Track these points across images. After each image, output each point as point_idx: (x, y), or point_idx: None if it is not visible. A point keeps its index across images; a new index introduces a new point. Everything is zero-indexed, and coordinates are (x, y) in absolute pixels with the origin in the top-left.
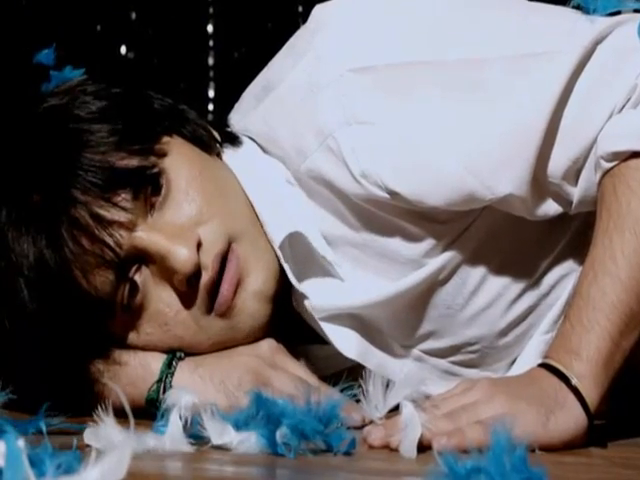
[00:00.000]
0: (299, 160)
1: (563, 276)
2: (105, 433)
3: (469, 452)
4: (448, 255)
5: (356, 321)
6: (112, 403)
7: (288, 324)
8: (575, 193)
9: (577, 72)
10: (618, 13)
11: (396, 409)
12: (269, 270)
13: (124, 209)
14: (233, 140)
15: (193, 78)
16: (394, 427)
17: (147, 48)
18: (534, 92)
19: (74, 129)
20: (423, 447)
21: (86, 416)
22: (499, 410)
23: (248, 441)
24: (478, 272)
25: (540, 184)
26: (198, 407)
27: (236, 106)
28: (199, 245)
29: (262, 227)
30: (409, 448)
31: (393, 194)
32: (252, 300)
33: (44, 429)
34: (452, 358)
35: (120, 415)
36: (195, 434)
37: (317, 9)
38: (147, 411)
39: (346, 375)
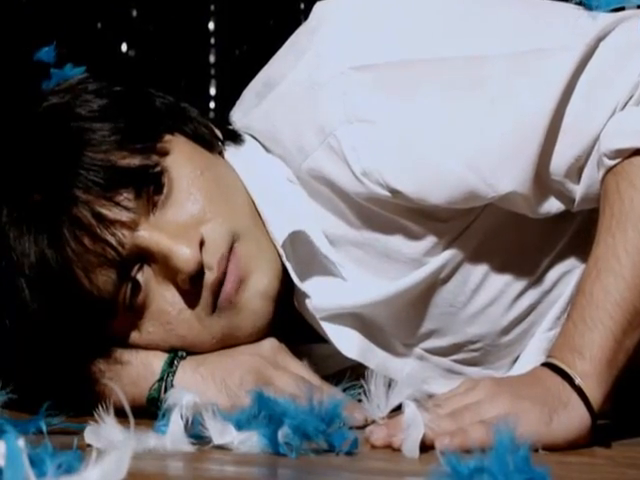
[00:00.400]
0: (300, 158)
1: (565, 273)
2: (106, 433)
3: (472, 452)
4: (449, 253)
5: (358, 320)
6: (113, 402)
7: (290, 323)
8: (578, 191)
9: (580, 69)
10: (621, 9)
11: (398, 409)
12: (272, 269)
13: (126, 208)
14: (235, 138)
15: (194, 76)
16: (396, 427)
17: (148, 46)
18: (536, 89)
19: (75, 128)
20: (426, 447)
21: (87, 416)
22: (502, 410)
23: (250, 441)
24: (480, 270)
25: (542, 182)
26: (199, 407)
27: (237, 103)
28: (202, 244)
29: (264, 226)
30: (412, 448)
31: (394, 192)
32: (255, 299)
33: (44, 429)
34: (454, 356)
35: (121, 415)
36: (196, 434)
37: (318, 6)
38: (148, 410)
39: (349, 374)
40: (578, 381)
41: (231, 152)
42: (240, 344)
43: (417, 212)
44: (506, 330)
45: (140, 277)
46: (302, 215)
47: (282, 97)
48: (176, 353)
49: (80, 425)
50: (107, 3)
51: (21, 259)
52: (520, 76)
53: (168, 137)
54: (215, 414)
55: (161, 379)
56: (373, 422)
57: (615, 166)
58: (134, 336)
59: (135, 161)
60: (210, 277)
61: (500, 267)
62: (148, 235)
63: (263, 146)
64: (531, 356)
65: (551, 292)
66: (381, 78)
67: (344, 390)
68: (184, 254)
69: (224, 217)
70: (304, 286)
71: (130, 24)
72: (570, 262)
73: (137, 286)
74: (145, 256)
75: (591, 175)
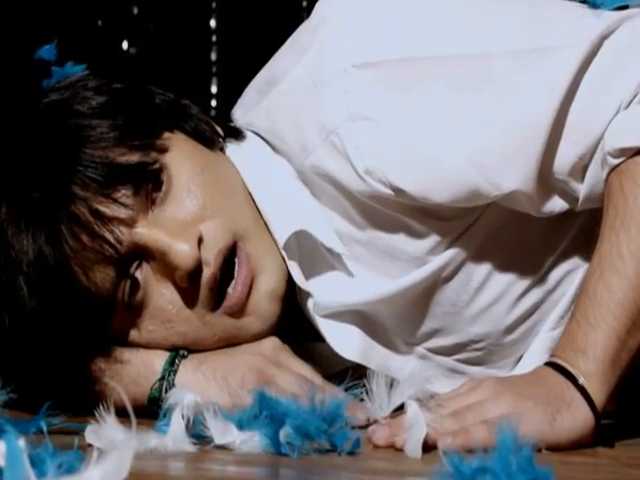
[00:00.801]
0: (302, 156)
1: (569, 272)
2: (107, 432)
3: (475, 452)
4: (452, 252)
5: (359, 318)
6: (114, 402)
7: (292, 322)
8: (581, 190)
9: (584, 67)
10: (625, 8)
11: (401, 408)
12: (279, 269)
13: (124, 205)
14: (236, 135)
15: (196, 74)
16: (399, 426)
17: (149, 43)
18: (540, 88)
19: (74, 124)
20: (428, 447)
21: (87, 415)
22: (505, 409)
23: (251, 441)
24: (483, 269)
25: (546, 180)
26: (201, 406)
27: (239, 101)
28: (200, 241)
29: (266, 224)
30: (414, 448)
31: (397, 191)
32: (264, 300)
33: (45, 428)
34: (457, 356)
35: (122, 414)
36: (198, 433)
37: (321, 4)
38: (149, 410)
39: (351, 373)
40: (581, 381)
41: (232, 150)
42: (242, 343)
43: (420, 210)
44: (509, 329)
45: (139, 275)
46: (304, 213)
47: (284, 95)
48: (177, 352)
49: (81, 425)
50: (108, 1)
51: (19, 256)
52: (524, 74)
53: (168, 134)
54: (216, 414)
55: (162, 378)
56: (375, 422)
57: (619, 165)
58: (134, 335)
59: (134, 158)
60: (207, 273)
61: (503, 266)
62: (146, 232)
63: (265, 143)
64: (534, 355)
65: (555, 291)
66: (384, 76)
67: (346, 389)
68: (182, 251)
69: (224, 215)
70: (307, 285)
71: (131, 22)
72: (574, 261)
73: (136, 284)
74: (143, 253)
75: (595, 174)
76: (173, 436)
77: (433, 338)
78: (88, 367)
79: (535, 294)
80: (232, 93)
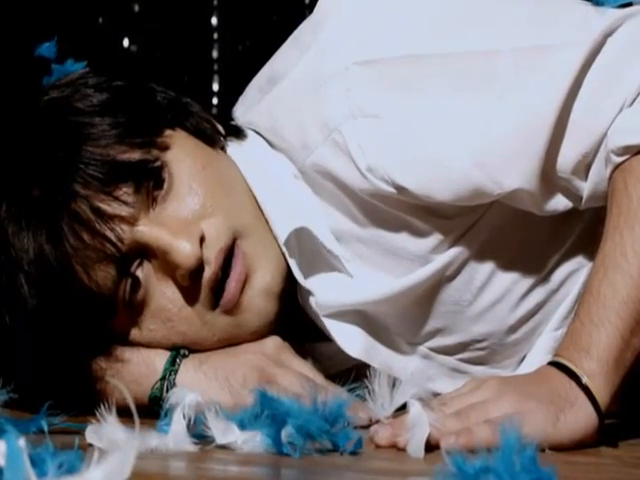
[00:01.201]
0: (304, 154)
1: (573, 271)
2: (107, 432)
3: (478, 452)
4: (455, 251)
5: (362, 318)
6: (115, 401)
7: (294, 321)
8: (585, 188)
9: (587, 65)
10: (628, 5)
11: (403, 408)
12: (276, 266)
13: (125, 203)
14: (237, 133)
15: (197, 71)
16: (401, 426)
17: (150, 41)
18: (543, 86)
19: (75, 122)
20: (431, 446)
21: (88, 415)
22: (508, 409)
23: (253, 440)
24: (486, 268)
25: (549, 179)
26: (202, 406)
27: (240, 99)
28: (202, 240)
29: (267, 222)
30: (417, 448)
31: (400, 189)
32: (259, 297)
33: (45, 428)
34: (460, 355)
35: (123, 414)
36: (199, 433)
37: (323, 1)
38: (150, 409)
39: (353, 373)
40: (585, 380)
41: (233, 148)
42: (243, 342)
43: (423, 209)
44: (513, 329)
45: (140, 273)
46: (306, 211)
47: (285, 93)
48: (178, 351)
49: (81, 424)
50: None
51: (20, 255)
52: (527, 72)
53: (169, 132)
54: (218, 413)
55: (163, 378)
56: (377, 422)
57: (623, 163)
58: (135, 334)
59: (135, 155)
60: (208, 272)
61: (507, 265)
62: (148, 230)
63: (266, 142)
64: (538, 355)
65: (558, 291)
66: (386, 73)
67: (348, 389)
68: (184, 249)
69: (225, 213)
70: (308, 283)
71: (132, 19)
72: (577, 260)
73: (137, 282)
74: (145, 252)
75: (599, 172)
76: (174, 436)
77: (436, 337)
78: (89, 366)
79: (538, 294)
80: (233, 91)
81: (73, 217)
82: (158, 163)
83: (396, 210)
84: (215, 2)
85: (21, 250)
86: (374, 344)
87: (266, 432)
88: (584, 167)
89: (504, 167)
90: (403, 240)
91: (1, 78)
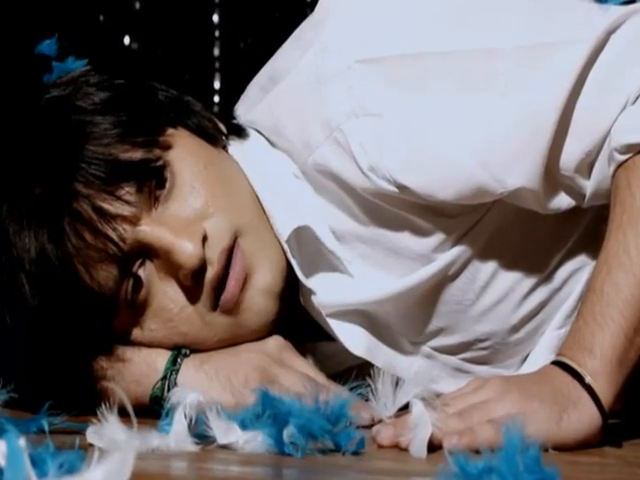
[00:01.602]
0: (306, 153)
1: (576, 270)
2: (108, 432)
3: (481, 452)
4: (458, 250)
5: (364, 317)
6: (116, 401)
7: (295, 320)
8: (588, 186)
9: (590, 62)
10: (632, 2)
11: (406, 408)
12: (276, 266)
13: (128, 202)
14: (239, 132)
15: (198, 69)
16: (404, 426)
17: (151, 39)
18: (546, 83)
19: (77, 121)
20: (433, 446)
21: (89, 415)
22: (511, 409)
23: (254, 440)
24: (489, 267)
25: (552, 177)
26: (203, 405)
27: (242, 98)
28: (204, 239)
29: (269, 221)
30: (419, 447)
31: (402, 188)
32: (259, 297)
33: (46, 428)
34: (463, 355)
35: (124, 413)
36: (200, 433)
37: None
38: (151, 409)
39: (355, 373)
40: (588, 380)
41: (235, 147)
42: (244, 342)
43: (425, 208)
44: (515, 328)
45: (142, 273)
46: (307, 210)
47: (287, 91)
48: (179, 351)
49: (82, 424)
50: None
51: (21, 254)
52: (530, 70)
53: (171, 131)
54: (219, 413)
55: (164, 377)
56: (380, 421)
57: (626, 161)
58: (136, 333)
59: (137, 155)
60: (210, 272)
61: (509, 264)
62: (150, 230)
63: (268, 141)
64: (541, 354)
65: (561, 290)
66: (388, 72)
67: (350, 389)
68: (187, 249)
69: (227, 212)
70: (309, 282)
71: (133, 17)
72: (580, 259)
73: (139, 282)
74: (147, 251)
75: (602, 170)
76: (175, 436)
77: (438, 337)
78: (90, 366)
79: (541, 293)
80: (235, 89)
81: (75, 217)
82: (160, 162)
83: (398, 209)
84: (216, 0)
85: (22, 250)
86: (377, 343)
87: (268, 432)
88: (587, 165)
89: (507, 166)
90: (405, 239)
91: (1, 76)
